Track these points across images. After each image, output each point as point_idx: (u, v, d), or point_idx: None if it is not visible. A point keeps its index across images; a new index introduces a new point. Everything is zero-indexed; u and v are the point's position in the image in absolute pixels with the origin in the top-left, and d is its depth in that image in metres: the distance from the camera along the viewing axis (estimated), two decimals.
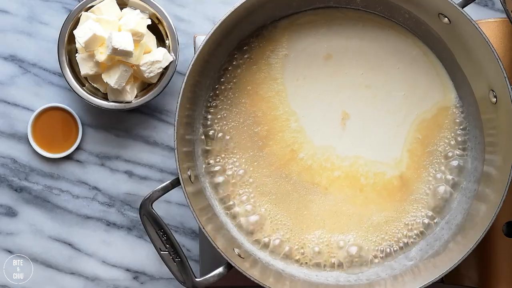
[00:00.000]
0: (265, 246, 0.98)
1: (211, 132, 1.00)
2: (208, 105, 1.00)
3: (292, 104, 0.97)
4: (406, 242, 0.99)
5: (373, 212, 0.97)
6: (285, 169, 0.97)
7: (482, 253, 1.00)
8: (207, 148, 0.99)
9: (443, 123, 0.99)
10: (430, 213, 0.98)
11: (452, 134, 1.00)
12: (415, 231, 0.98)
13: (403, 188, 0.97)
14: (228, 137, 0.99)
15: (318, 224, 0.96)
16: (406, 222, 0.99)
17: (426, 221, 0.99)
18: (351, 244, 0.98)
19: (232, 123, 0.99)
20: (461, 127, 0.99)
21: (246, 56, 1.00)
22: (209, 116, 1.00)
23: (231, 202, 0.99)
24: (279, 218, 0.97)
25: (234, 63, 1.00)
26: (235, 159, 0.99)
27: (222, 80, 1.00)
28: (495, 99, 0.93)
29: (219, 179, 0.99)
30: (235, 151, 0.98)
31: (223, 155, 0.99)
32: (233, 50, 1.00)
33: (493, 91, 0.93)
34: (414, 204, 0.98)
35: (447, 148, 0.99)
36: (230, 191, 0.99)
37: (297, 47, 0.99)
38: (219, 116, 1.00)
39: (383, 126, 0.98)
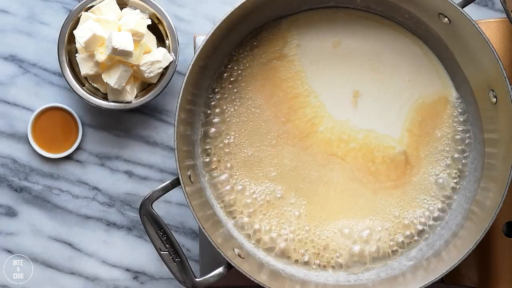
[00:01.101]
0: (265, 246, 0.99)
1: (211, 131, 1.00)
2: (208, 104, 1.00)
3: (310, 83, 1.00)
4: (406, 242, 0.99)
5: (383, 183, 0.99)
6: (306, 142, 1.00)
7: (482, 253, 1.00)
8: (207, 147, 1.00)
9: (442, 116, 1.00)
10: (432, 200, 0.99)
11: (452, 134, 1.00)
12: (418, 227, 0.99)
13: (407, 165, 0.99)
14: (232, 133, 0.99)
15: (339, 189, 0.99)
16: (406, 220, 0.99)
17: (426, 221, 0.99)
18: (355, 239, 0.98)
19: (241, 116, 1.00)
20: (461, 126, 1.00)
21: (251, 51, 1.00)
22: (209, 116, 1.00)
23: (231, 201, 0.99)
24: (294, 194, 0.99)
25: (236, 59, 1.00)
26: (243, 151, 0.99)
27: (224, 76, 1.00)
28: (495, 99, 0.93)
29: (219, 178, 0.99)
30: (243, 143, 0.99)
31: (224, 154, 0.99)
32: (234, 48, 1.00)
33: (493, 91, 0.93)
34: (417, 185, 0.99)
35: (446, 148, 0.99)
36: (230, 190, 0.99)
37: (306, 38, 1.01)
38: (220, 115, 1.00)
39: (388, 105, 1.00)
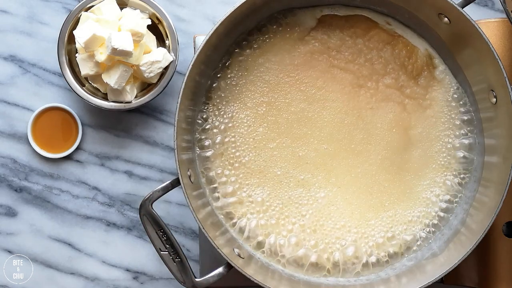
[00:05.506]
0: (265, 246, 0.99)
1: (212, 131, 1.00)
2: (209, 104, 1.00)
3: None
4: (406, 242, 0.99)
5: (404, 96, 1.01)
6: (367, 43, 1.01)
7: (482, 253, 1.00)
8: (208, 147, 0.99)
9: (442, 116, 1.00)
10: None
11: (452, 134, 1.00)
12: (418, 227, 0.99)
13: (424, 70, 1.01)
14: (233, 133, 0.99)
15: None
16: (407, 221, 0.99)
17: (427, 221, 0.99)
18: (354, 240, 0.98)
19: (243, 114, 0.99)
20: (461, 127, 1.00)
21: (252, 49, 1.00)
22: (210, 116, 1.00)
23: (231, 202, 0.99)
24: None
25: (236, 58, 1.00)
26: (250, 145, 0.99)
27: (225, 75, 1.00)
28: (495, 99, 0.93)
29: (219, 178, 0.99)
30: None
31: (224, 154, 0.99)
32: (234, 47, 1.00)
33: (493, 91, 0.93)
34: (418, 184, 1.00)
35: (447, 145, 1.00)
36: (229, 190, 0.99)
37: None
38: (220, 114, 1.00)
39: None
